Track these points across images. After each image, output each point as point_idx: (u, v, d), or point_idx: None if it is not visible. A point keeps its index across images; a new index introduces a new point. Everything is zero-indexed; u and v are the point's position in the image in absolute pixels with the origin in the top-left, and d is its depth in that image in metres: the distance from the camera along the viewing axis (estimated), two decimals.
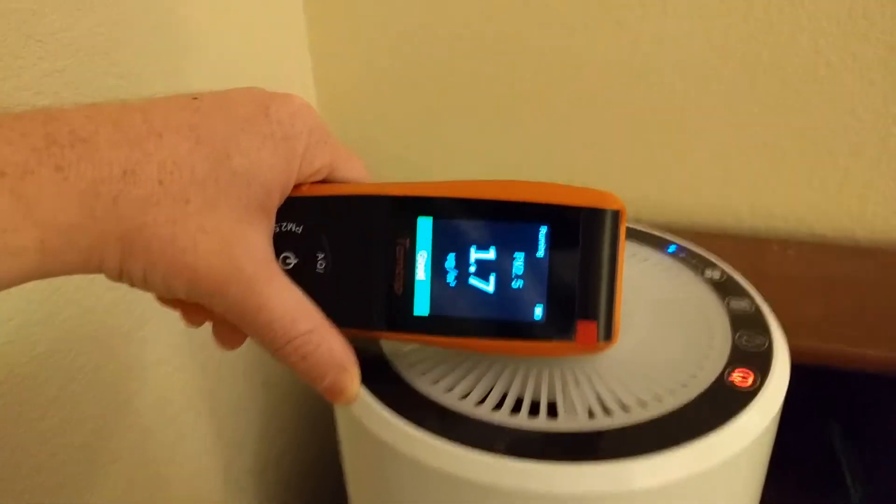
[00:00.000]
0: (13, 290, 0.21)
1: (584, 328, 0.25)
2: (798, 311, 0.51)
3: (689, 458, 0.24)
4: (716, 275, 0.33)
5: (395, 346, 0.30)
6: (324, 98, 0.68)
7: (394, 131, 0.68)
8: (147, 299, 0.42)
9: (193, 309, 0.26)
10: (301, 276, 0.25)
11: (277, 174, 0.24)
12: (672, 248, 0.35)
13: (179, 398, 0.53)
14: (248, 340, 0.28)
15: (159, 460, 0.51)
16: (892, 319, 0.50)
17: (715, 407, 0.25)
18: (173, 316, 0.28)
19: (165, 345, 0.50)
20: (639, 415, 0.25)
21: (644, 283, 0.32)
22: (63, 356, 0.41)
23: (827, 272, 0.55)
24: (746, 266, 0.56)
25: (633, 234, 0.36)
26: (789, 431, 0.64)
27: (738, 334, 0.29)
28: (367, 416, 0.27)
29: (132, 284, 0.23)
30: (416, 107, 0.66)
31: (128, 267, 0.22)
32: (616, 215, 0.25)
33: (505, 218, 0.25)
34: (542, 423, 0.25)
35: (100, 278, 0.23)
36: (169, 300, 0.26)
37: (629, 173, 0.63)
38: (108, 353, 0.44)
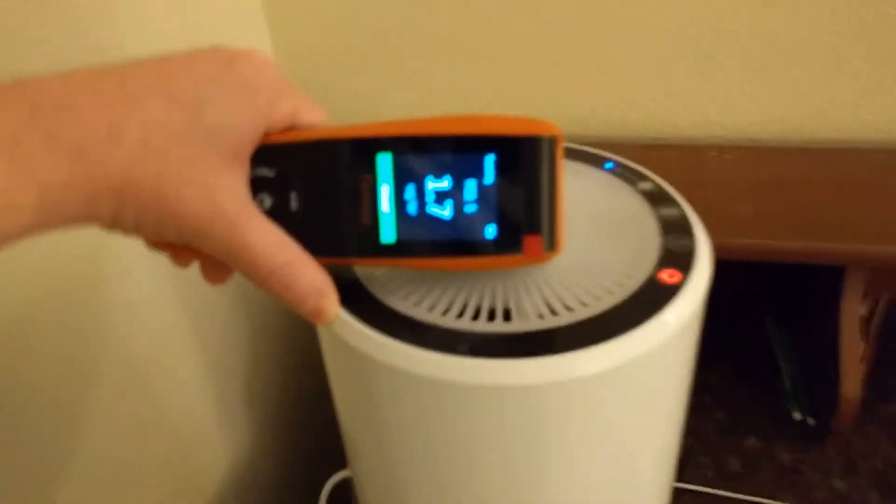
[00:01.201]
0: None
1: (530, 242, 0.29)
2: (732, 212, 0.56)
3: (625, 347, 0.28)
4: (648, 186, 0.36)
5: (367, 270, 0.33)
6: (280, 50, 0.68)
7: (349, 73, 0.69)
8: (135, 243, 0.45)
9: (182, 251, 0.29)
10: (277, 214, 0.28)
11: (247, 125, 0.26)
12: (609, 165, 0.38)
13: (170, 334, 0.56)
14: (231, 278, 0.31)
15: (155, 394, 0.54)
16: (816, 213, 0.55)
17: (646, 302, 0.29)
18: (159, 259, 0.31)
19: (153, 285, 0.52)
20: (582, 313, 0.29)
21: (584, 198, 0.35)
22: (58, 298, 0.43)
23: (759, 174, 0.60)
24: (686, 172, 0.61)
25: (575, 154, 0.39)
26: (729, 325, 0.70)
27: (667, 238, 0.33)
28: (346, 332, 0.31)
29: (125, 233, 0.26)
30: (370, 47, 0.67)
31: (121, 218, 0.25)
32: (552, 141, 0.28)
33: (455, 150, 0.28)
34: (498, 326, 0.29)
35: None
36: (159, 244, 0.29)
37: (579, 94, 0.66)
38: (98, 297, 0.46)
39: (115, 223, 0.25)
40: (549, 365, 0.28)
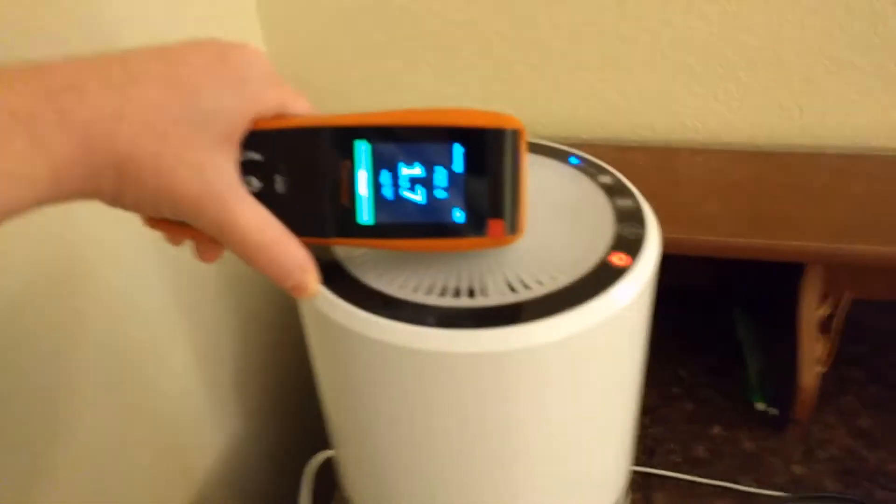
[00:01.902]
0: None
1: (494, 225, 0.32)
2: (700, 210, 0.59)
3: (575, 320, 0.31)
4: (607, 179, 0.39)
5: (345, 250, 0.36)
6: (271, 48, 0.71)
7: (335, 68, 0.72)
8: (124, 232, 0.47)
9: (177, 229, 0.31)
10: (264, 196, 0.30)
11: (238, 112, 0.29)
12: (574, 160, 0.41)
13: (161, 321, 0.58)
14: (221, 266, 0.33)
15: (145, 380, 0.56)
16: (778, 212, 0.58)
17: (597, 282, 0.33)
18: (152, 247, 0.33)
19: (146, 267, 0.54)
20: (538, 291, 0.32)
21: (548, 188, 0.39)
22: (47, 285, 0.45)
23: (727, 175, 0.63)
24: (658, 173, 0.64)
25: (543, 149, 0.43)
26: (699, 319, 0.73)
27: (620, 226, 0.36)
28: (326, 306, 0.34)
29: (125, 208, 0.29)
30: (355, 44, 0.70)
31: (121, 194, 0.27)
32: (515, 133, 0.31)
33: (426, 140, 0.31)
34: (463, 301, 0.32)
35: (83, 207, 0.28)
36: (155, 222, 0.31)
37: (558, 96, 0.69)
38: (90, 282, 0.48)
39: (117, 199, 0.28)
40: (507, 335, 0.31)
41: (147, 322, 0.56)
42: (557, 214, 0.37)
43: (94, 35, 0.47)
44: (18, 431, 0.44)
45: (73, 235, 0.46)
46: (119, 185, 0.27)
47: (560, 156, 0.42)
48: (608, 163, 0.42)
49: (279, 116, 0.31)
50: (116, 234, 0.50)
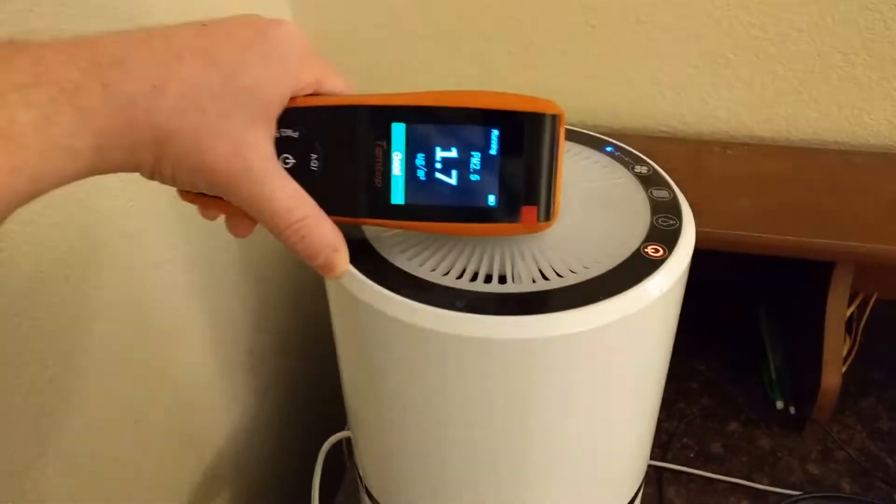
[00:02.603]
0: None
1: (527, 211, 0.32)
2: (731, 204, 0.58)
3: (605, 311, 0.31)
4: (644, 170, 0.39)
5: (375, 230, 0.36)
6: (301, 26, 0.71)
7: (366, 48, 0.71)
8: (148, 205, 0.46)
9: (211, 203, 0.31)
10: (298, 173, 0.30)
11: (276, 88, 0.29)
12: (609, 148, 0.41)
13: (179, 296, 0.58)
14: (243, 244, 0.33)
15: (162, 348, 0.57)
16: (810, 209, 0.57)
17: (630, 273, 0.32)
18: (175, 221, 0.33)
19: (167, 246, 0.55)
20: (570, 279, 0.32)
21: (583, 177, 0.38)
22: (76, 256, 0.45)
23: (760, 170, 0.62)
24: (689, 165, 0.63)
25: (579, 137, 0.42)
26: (723, 314, 0.73)
27: (655, 217, 0.35)
28: (354, 286, 0.33)
29: (162, 181, 0.29)
30: (388, 25, 0.70)
31: (160, 166, 0.27)
32: (554, 119, 0.31)
33: (463, 122, 0.31)
34: (493, 287, 0.32)
35: (106, 188, 0.28)
36: (191, 196, 0.31)
37: (590, 84, 0.68)
38: (114, 255, 0.49)
39: (155, 172, 0.28)
40: (535, 323, 0.30)
41: (165, 298, 0.56)
42: (592, 203, 0.36)
43: (127, 14, 0.47)
44: (29, 400, 0.44)
45: (90, 214, 0.46)
46: (159, 158, 0.27)
47: (596, 144, 0.41)
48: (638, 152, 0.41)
49: (316, 94, 0.31)
50: (136, 213, 0.50)
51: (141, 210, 0.50)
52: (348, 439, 0.57)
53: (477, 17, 0.66)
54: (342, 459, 0.63)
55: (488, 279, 0.33)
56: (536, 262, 0.33)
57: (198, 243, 0.58)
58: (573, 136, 0.42)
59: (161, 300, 0.55)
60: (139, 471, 0.56)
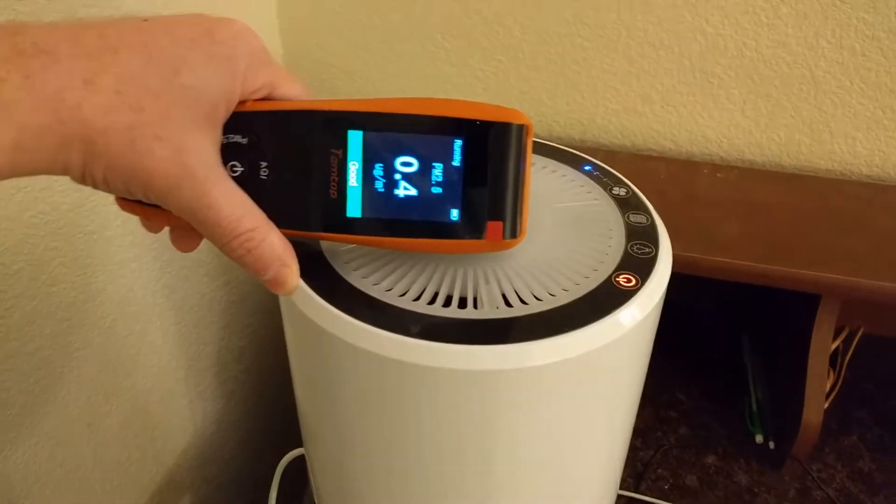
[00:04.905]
0: None
1: (492, 227, 0.29)
2: (718, 230, 0.56)
3: (568, 344, 0.28)
4: (622, 192, 0.37)
5: (332, 245, 0.34)
6: (286, 22, 0.69)
7: (349, 48, 0.69)
8: (110, 200, 0.44)
9: (152, 213, 0.29)
10: (247, 182, 0.28)
11: (222, 90, 0.27)
12: (588, 167, 0.38)
13: (143, 295, 0.56)
14: (208, 248, 0.31)
15: (124, 354, 0.55)
16: (799, 239, 0.55)
17: (598, 304, 0.30)
18: (137, 225, 0.31)
19: (130, 245, 0.53)
20: (535, 307, 0.30)
21: (557, 195, 0.36)
22: (31, 251, 0.43)
23: (750, 196, 0.60)
24: (678, 186, 0.61)
25: (556, 154, 0.40)
26: (705, 343, 0.71)
27: (630, 244, 0.33)
28: (305, 305, 0.31)
29: (95, 186, 0.26)
30: (371, 25, 0.68)
31: (90, 168, 0.25)
32: (521, 129, 0.28)
33: (426, 131, 0.28)
34: (452, 312, 0.30)
35: (65, 180, 0.26)
36: (129, 204, 0.29)
37: (578, 98, 0.66)
38: (74, 251, 0.47)
39: (86, 175, 0.25)
40: (496, 353, 0.28)
41: (126, 298, 0.54)
42: (564, 225, 0.34)
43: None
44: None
45: (47, 208, 0.44)
46: (88, 159, 0.25)
47: (574, 161, 0.39)
48: (625, 171, 0.39)
49: (268, 99, 0.29)
50: (98, 208, 0.48)
51: (103, 205, 0.48)
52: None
53: (462, 20, 0.64)
54: (305, 476, 0.61)
55: (448, 302, 0.30)
56: (500, 286, 0.31)
57: (164, 241, 0.56)
58: (549, 152, 0.40)
59: (121, 300, 0.53)
60: (93, 477, 0.53)
